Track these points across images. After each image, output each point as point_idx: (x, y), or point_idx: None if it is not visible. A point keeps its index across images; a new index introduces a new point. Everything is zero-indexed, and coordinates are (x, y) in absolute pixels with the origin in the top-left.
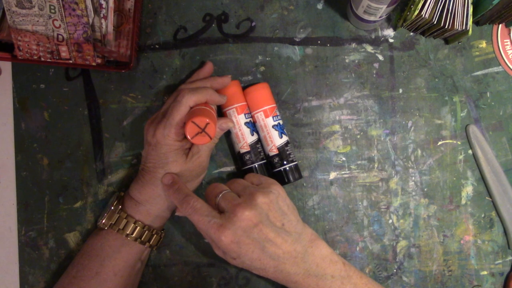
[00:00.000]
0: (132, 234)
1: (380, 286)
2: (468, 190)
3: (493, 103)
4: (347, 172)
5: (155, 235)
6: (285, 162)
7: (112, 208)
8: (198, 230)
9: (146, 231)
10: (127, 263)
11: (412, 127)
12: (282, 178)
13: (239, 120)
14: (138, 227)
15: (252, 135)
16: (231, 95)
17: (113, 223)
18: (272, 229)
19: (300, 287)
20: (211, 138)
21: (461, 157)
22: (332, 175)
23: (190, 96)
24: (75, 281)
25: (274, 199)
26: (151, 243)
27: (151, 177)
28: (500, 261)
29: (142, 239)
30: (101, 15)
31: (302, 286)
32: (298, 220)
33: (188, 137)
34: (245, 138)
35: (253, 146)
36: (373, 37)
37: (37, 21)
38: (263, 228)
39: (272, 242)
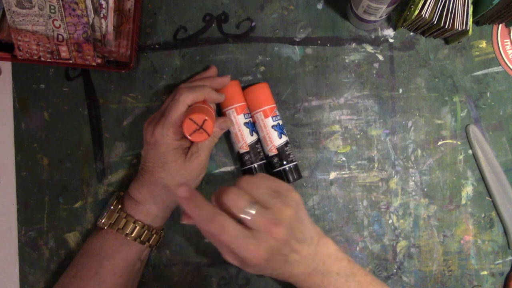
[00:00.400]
0: (131, 233)
1: (384, 285)
2: (468, 190)
3: (493, 103)
4: (347, 172)
5: (155, 235)
6: (284, 162)
7: (112, 207)
8: (223, 245)
9: (146, 231)
10: (127, 262)
11: (412, 127)
12: (281, 179)
13: (238, 120)
14: (138, 227)
15: (252, 135)
16: (231, 95)
17: (113, 222)
18: (297, 240)
19: (305, 285)
20: (209, 135)
21: (461, 157)
22: (332, 175)
23: (188, 94)
24: (74, 281)
25: (296, 211)
26: (150, 242)
27: (151, 176)
28: (500, 261)
29: (142, 238)
30: (101, 15)
31: (308, 284)
32: (311, 224)
33: (186, 134)
34: (245, 138)
35: (252, 146)
36: (373, 37)
37: (37, 21)
38: (291, 243)
39: (295, 252)
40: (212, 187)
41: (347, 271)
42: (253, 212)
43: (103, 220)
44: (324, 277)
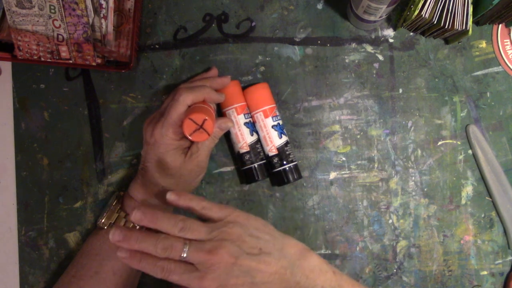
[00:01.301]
0: None
1: None
2: (468, 190)
3: (493, 103)
4: (347, 172)
5: None
6: (284, 162)
7: (112, 207)
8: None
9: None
10: None
11: (412, 127)
12: (281, 178)
13: (238, 120)
14: (137, 226)
15: (252, 135)
16: (231, 95)
17: (112, 222)
18: (252, 258)
19: None
20: (209, 135)
21: (461, 157)
22: (332, 175)
23: (188, 94)
24: (74, 280)
25: (241, 231)
26: None
27: (150, 176)
28: (500, 261)
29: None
30: (101, 15)
31: None
32: (274, 237)
33: (186, 134)
34: (245, 138)
35: (252, 146)
36: (373, 37)
37: (37, 21)
38: (242, 262)
39: (257, 270)
40: (212, 187)
41: (333, 284)
42: (186, 252)
43: (103, 220)
44: None
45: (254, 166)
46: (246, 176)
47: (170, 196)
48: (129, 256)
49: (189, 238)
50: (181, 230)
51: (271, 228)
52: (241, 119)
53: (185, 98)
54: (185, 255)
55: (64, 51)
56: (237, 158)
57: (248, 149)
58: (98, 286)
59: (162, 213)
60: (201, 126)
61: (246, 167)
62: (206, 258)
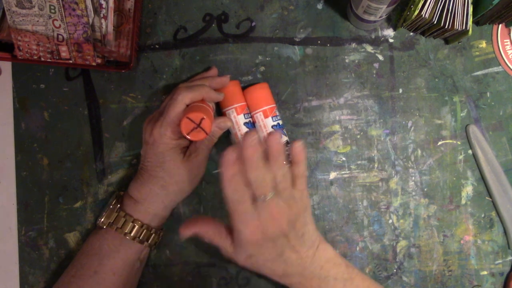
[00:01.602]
0: (130, 233)
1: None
2: (468, 190)
3: (493, 103)
4: (347, 172)
5: (154, 234)
6: (284, 162)
7: (111, 207)
8: (232, 217)
9: (145, 230)
10: (126, 262)
11: (412, 127)
12: None
13: (238, 121)
14: (137, 226)
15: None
16: (231, 95)
17: (112, 221)
18: (295, 237)
19: None
20: (207, 134)
21: (461, 157)
22: (332, 175)
23: (186, 93)
24: (74, 280)
25: (303, 211)
26: (149, 242)
27: (149, 176)
28: (500, 261)
29: (141, 238)
30: (101, 15)
31: (304, 287)
32: (314, 230)
33: (184, 133)
34: (268, 132)
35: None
36: (373, 37)
37: (37, 21)
38: (289, 238)
39: (291, 249)
40: (212, 187)
41: (345, 276)
42: (269, 197)
43: (102, 219)
44: (321, 282)
45: None
46: None
47: (300, 146)
48: (234, 162)
49: (277, 187)
50: (282, 176)
51: (313, 220)
52: (241, 119)
53: (184, 97)
54: (269, 196)
55: (64, 51)
56: None
57: None
58: (98, 286)
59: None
60: (199, 125)
61: None
62: (274, 215)
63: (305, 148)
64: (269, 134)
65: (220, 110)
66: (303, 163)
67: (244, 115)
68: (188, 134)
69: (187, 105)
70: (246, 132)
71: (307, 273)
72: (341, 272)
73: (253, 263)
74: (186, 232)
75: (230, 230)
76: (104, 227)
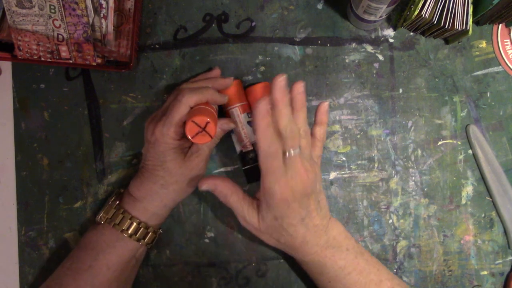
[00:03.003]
0: (127, 230)
1: (387, 269)
2: (468, 190)
3: (493, 103)
4: (347, 172)
5: (151, 233)
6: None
7: (110, 203)
8: (263, 172)
9: (142, 228)
10: (121, 258)
11: (412, 127)
12: None
13: (242, 119)
14: (134, 223)
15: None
16: (234, 94)
17: (110, 217)
18: (315, 201)
19: (317, 258)
20: (211, 137)
21: (461, 157)
22: (332, 175)
23: (191, 96)
24: (69, 273)
25: (319, 175)
26: (146, 240)
27: (150, 174)
28: (500, 261)
29: (137, 235)
30: (101, 15)
31: (319, 257)
32: (325, 199)
33: (189, 136)
34: (248, 137)
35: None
36: (373, 37)
37: (37, 21)
38: (311, 199)
39: (311, 214)
40: None
41: (356, 249)
42: (296, 152)
43: (101, 215)
44: (335, 251)
45: (257, 164)
46: (249, 174)
47: (325, 107)
48: (267, 112)
49: (300, 143)
50: (305, 132)
51: None
52: (244, 118)
53: (188, 99)
54: (296, 152)
55: (64, 51)
56: (240, 157)
57: (252, 148)
58: (92, 280)
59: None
60: (204, 129)
61: (249, 166)
62: (301, 172)
63: (328, 111)
64: (296, 83)
65: (223, 110)
66: (324, 127)
67: (247, 114)
68: (193, 137)
69: (191, 107)
70: (276, 76)
71: (322, 242)
72: (351, 244)
73: (277, 227)
74: (206, 185)
75: (249, 197)
76: (102, 222)
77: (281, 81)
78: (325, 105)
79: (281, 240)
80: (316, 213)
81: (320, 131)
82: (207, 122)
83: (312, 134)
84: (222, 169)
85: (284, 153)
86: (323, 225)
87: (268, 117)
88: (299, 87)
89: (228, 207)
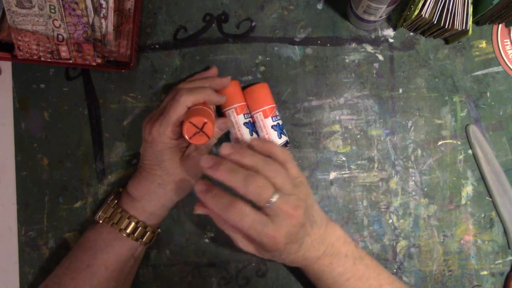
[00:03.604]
0: (125, 229)
1: (388, 272)
2: (468, 190)
3: (493, 103)
4: (347, 172)
5: (149, 233)
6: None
7: (109, 202)
8: (238, 233)
9: (140, 227)
10: (119, 257)
11: (412, 127)
12: None
13: (238, 121)
14: (132, 223)
15: (251, 135)
16: (231, 95)
17: (108, 217)
18: (310, 223)
19: (315, 266)
20: (209, 138)
21: (461, 157)
22: (332, 175)
23: (188, 96)
24: (67, 272)
25: (309, 195)
26: (144, 240)
27: (148, 174)
28: (500, 261)
29: (135, 235)
30: (101, 15)
31: (317, 265)
32: (319, 208)
33: (186, 137)
34: (244, 139)
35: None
36: (373, 37)
37: (37, 21)
38: (305, 225)
39: (308, 234)
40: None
41: (355, 254)
42: (275, 200)
43: (99, 214)
44: (333, 258)
45: None
46: None
47: (254, 141)
48: (206, 189)
49: (275, 183)
50: (276, 172)
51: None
52: (240, 119)
53: (186, 100)
54: (269, 205)
55: (64, 51)
56: None
57: None
58: (90, 279)
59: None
60: (201, 129)
61: None
62: (289, 213)
63: (261, 139)
64: (222, 148)
65: (220, 111)
66: (277, 149)
67: (244, 115)
68: (190, 138)
69: (188, 108)
70: (203, 160)
71: (320, 253)
72: (351, 250)
73: (277, 258)
74: (199, 210)
75: None
76: (101, 221)
77: (209, 161)
78: (253, 141)
79: (279, 261)
80: (312, 230)
81: (278, 156)
82: (205, 123)
83: (278, 161)
84: None
85: (261, 208)
86: (320, 235)
87: (210, 197)
88: (225, 149)
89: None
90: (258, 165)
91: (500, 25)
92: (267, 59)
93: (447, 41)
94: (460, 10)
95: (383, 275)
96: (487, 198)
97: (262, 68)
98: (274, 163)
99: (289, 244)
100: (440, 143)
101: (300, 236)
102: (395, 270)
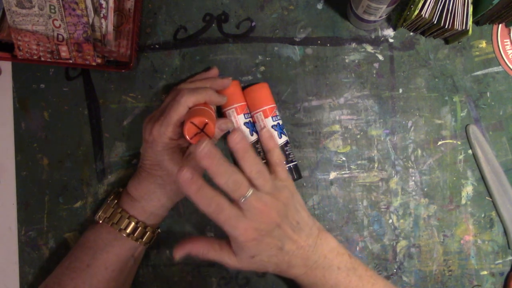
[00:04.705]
0: (125, 229)
1: (384, 280)
2: (468, 190)
3: (493, 103)
4: (347, 172)
5: (149, 232)
6: (284, 162)
7: (109, 202)
8: (220, 225)
9: (140, 228)
10: (119, 257)
11: (412, 127)
12: None
13: (238, 121)
14: (132, 223)
15: (252, 135)
16: (231, 95)
17: (108, 216)
18: (291, 227)
19: (307, 279)
20: (210, 138)
21: (461, 157)
22: (332, 175)
23: (189, 96)
24: (67, 272)
25: (291, 200)
26: (144, 240)
27: (148, 174)
28: (500, 261)
29: (135, 235)
30: (101, 15)
31: (309, 278)
32: (308, 216)
33: (187, 137)
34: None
35: (252, 146)
36: (373, 37)
37: (37, 21)
38: (284, 227)
39: (290, 239)
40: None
41: (348, 266)
42: (248, 196)
43: (99, 214)
44: (325, 271)
45: None
46: None
47: (266, 132)
48: (192, 179)
49: (256, 184)
50: (258, 172)
51: (305, 207)
52: (241, 119)
53: (187, 100)
54: (244, 200)
55: (64, 51)
56: None
57: None
58: (90, 279)
59: (252, 148)
60: (202, 130)
61: None
62: (260, 209)
63: (272, 134)
64: (229, 136)
65: (220, 110)
66: (276, 150)
67: (244, 115)
68: (191, 138)
69: (189, 108)
70: (196, 145)
71: (310, 263)
72: (344, 261)
73: (257, 262)
74: (179, 253)
75: (225, 242)
76: (101, 221)
77: (203, 149)
78: (265, 131)
79: (269, 270)
80: (298, 236)
81: (273, 157)
82: (206, 123)
83: (268, 162)
84: None
85: (235, 201)
86: (309, 245)
87: (193, 184)
88: (235, 138)
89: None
90: (246, 165)
91: (500, 25)
92: (267, 59)
93: (447, 41)
94: (460, 10)
95: (378, 284)
96: (487, 198)
97: (262, 68)
98: (262, 165)
99: (262, 242)
100: (440, 143)
101: (276, 236)
102: (395, 270)
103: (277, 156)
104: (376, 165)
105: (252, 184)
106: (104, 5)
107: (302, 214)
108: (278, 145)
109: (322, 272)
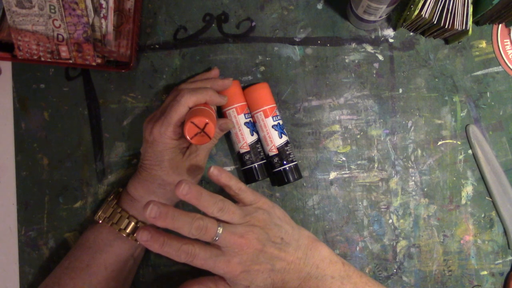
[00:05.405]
0: (125, 229)
1: (380, 285)
2: (468, 190)
3: (493, 103)
4: (347, 172)
5: None
6: (284, 162)
7: (108, 201)
8: (200, 268)
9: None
10: (119, 257)
11: (412, 127)
12: (282, 178)
13: (238, 120)
14: (132, 223)
15: (252, 135)
16: (231, 95)
17: (108, 216)
18: (275, 246)
19: None
20: (210, 138)
21: (461, 157)
22: (332, 175)
23: (190, 96)
24: (67, 272)
25: (268, 219)
26: None
27: (147, 174)
28: (500, 261)
29: (135, 235)
30: (101, 15)
31: None
32: (293, 227)
33: (188, 137)
34: (245, 138)
35: (252, 146)
36: (373, 37)
37: (37, 21)
38: (267, 250)
39: (278, 258)
40: (212, 187)
41: (342, 274)
42: (220, 233)
43: (99, 214)
44: (318, 281)
45: (254, 166)
46: (246, 176)
47: (213, 171)
48: (151, 239)
49: (223, 220)
50: (220, 210)
51: (289, 218)
52: (241, 119)
53: (187, 100)
54: (217, 238)
55: (64, 51)
56: (237, 158)
57: (248, 149)
58: (89, 279)
59: (206, 191)
60: (203, 130)
61: (246, 167)
62: (237, 243)
63: (219, 169)
64: (175, 190)
65: (220, 110)
66: (231, 182)
67: (244, 115)
68: (191, 138)
69: (190, 108)
70: (145, 210)
71: (303, 275)
72: (337, 270)
73: (254, 286)
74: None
75: (219, 277)
76: (100, 221)
77: (150, 212)
78: (211, 171)
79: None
80: (285, 253)
81: (231, 190)
82: (206, 123)
83: (230, 192)
84: None
85: (209, 243)
86: (299, 257)
87: (154, 243)
88: (181, 191)
89: None
90: (205, 209)
91: (500, 25)
92: (267, 59)
93: (447, 41)
94: (460, 10)
95: None
96: (487, 198)
97: (262, 68)
98: (220, 202)
99: (252, 271)
100: (440, 143)
101: (263, 261)
102: (395, 270)
103: (235, 187)
104: (376, 165)
105: (220, 221)
106: (104, 5)
107: (285, 228)
108: (231, 176)
109: (315, 283)
